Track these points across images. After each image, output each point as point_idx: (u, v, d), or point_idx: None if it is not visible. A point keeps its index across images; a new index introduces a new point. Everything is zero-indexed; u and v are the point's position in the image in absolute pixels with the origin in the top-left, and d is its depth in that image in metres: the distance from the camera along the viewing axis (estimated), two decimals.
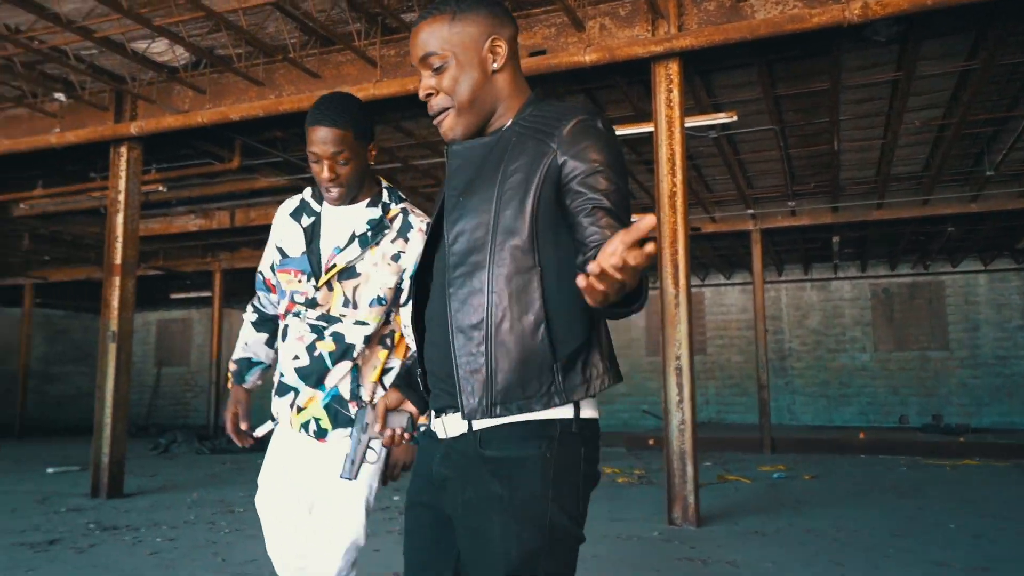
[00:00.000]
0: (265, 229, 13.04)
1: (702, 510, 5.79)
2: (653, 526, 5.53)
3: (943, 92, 7.82)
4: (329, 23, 6.46)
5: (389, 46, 6.74)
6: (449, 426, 1.38)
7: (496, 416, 1.30)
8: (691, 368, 5.64)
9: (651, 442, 12.65)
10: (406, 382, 1.55)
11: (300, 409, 2.01)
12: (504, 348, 1.30)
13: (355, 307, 1.98)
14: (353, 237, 2.00)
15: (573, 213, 1.31)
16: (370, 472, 1.96)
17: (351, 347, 1.97)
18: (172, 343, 23.38)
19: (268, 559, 2.62)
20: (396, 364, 2.04)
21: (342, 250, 1.99)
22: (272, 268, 2.11)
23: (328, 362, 1.98)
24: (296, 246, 2.05)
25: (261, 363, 2.23)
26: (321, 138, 1.92)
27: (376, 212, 2.02)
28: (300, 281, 2.01)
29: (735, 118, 7.19)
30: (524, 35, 6.27)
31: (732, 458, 10.90)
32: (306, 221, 2.06)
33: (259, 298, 2.24)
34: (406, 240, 2.01)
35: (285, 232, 2.09)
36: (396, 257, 2.00)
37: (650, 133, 8.30)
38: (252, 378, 2.22)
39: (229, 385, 2.24)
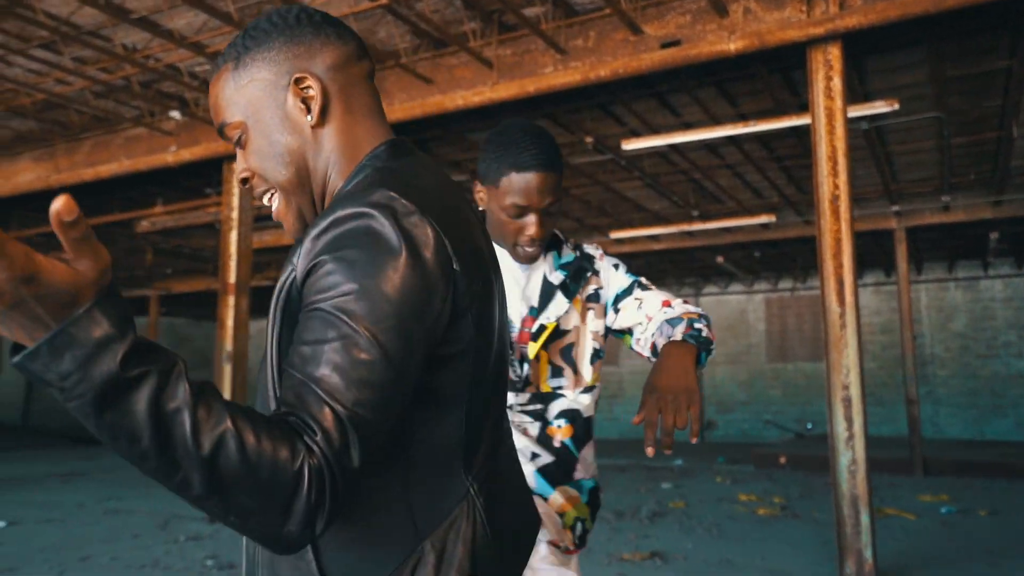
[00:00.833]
0: None
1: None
2: None
3: None
4: (442, 23, 6.03)
5: (505, 45, 6.25)
6: None
7: None
8: (863, 398, 4.85)
9: (782, 460, 11.69)
10: None
11: (560, 515, 1.56)
12: None
13: (575, 371, 1.59)
14: (551, 289, 1.59)
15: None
16: None
17: (589, 420, 1.59)
18: None
19: None
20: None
21: (540, 309, 1.58)
22: None
23: (574, 450, 1.58)
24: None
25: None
26: (537, 186, 1.50)
27: (568, 253, 1.64)
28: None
29: (896, 107, 6.29)
30: (653, 25, 5.63)
31: (880, 481, 9.83)
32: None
33: None
34: (596, 273, 1.67)
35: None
36: (596, 297, 1.65)
37: (791, 128, 7.50)
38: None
39: None
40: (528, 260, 1.57)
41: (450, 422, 0.90)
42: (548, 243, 1.63)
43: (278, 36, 0.97)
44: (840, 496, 4.87)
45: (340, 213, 0.83)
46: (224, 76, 0.98)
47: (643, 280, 1.68)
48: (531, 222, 1.50)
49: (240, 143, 0.99)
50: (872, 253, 14.87)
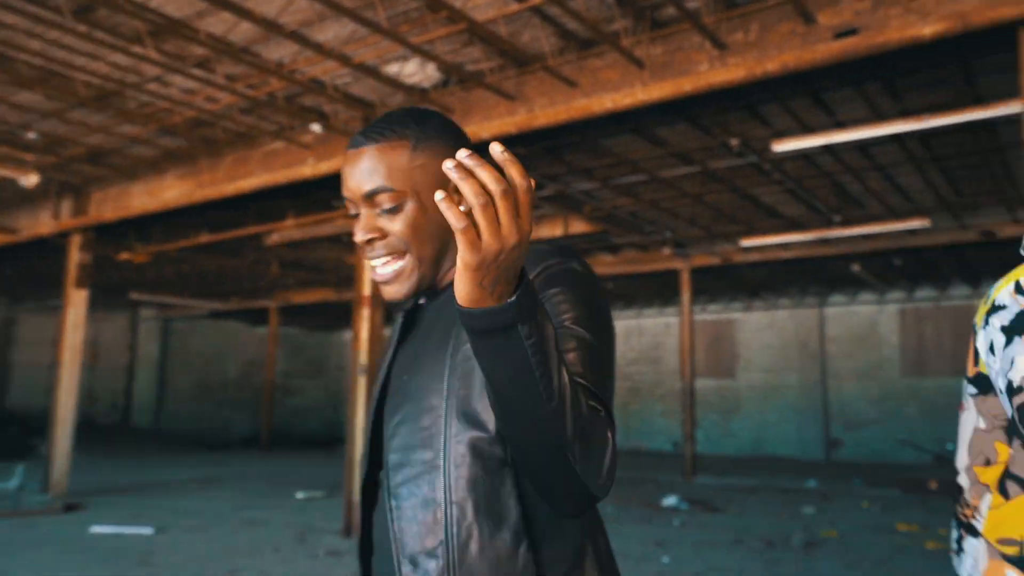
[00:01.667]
0: None
1: None
2: None
3: None
4: (592, 22, 5.75)
5: (655, 44, 5.91)
6: None
7: None
8: None
9: (933, 485, 10.77)
10: None
11: None
12: None
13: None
14: (1009, 340, 1.16)
15: None
16: None
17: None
18: None
19: None
20: None
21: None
22: None
23: None
24: None
25: None
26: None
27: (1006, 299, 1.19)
28: None
29: None
30: (826, 14, 5.17)
31: None
32: None
33: None
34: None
35: None
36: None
37: (962, 124, 6.85)
38: None
39: None
40: None
41: None
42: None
43: (448, 134, 1.13)
44: None
45: (550, 260, 1.07)
46: (400, 150, 1.08)
47: None
48: None
49: (392, 211, 1.08)
50: None
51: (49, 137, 8.02)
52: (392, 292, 1.12)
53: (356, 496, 6.99)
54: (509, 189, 0.76)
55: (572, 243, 11.57)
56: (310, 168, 7.54)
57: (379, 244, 1.10)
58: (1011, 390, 1.10)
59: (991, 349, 1.17)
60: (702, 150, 8.22)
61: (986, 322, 1.19)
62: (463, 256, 0.77)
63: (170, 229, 11.56)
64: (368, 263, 1.15)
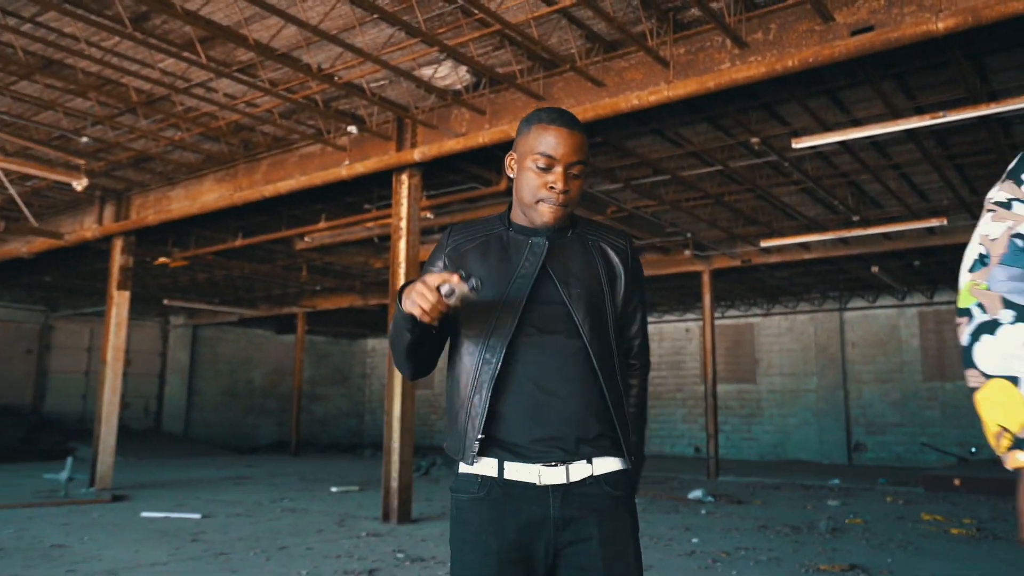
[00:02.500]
0: None
1: None
2: None
3: None
4: (614, 27, 6.04)
5: (678, 44, 6.19)
6: (574, 473, 1.56)
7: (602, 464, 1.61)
8: None
9: (957, 482, 10.85)
10: None
11: None
12: (620, 410, 1.62)
13: None
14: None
15: (629, 315, 1.74)
16: None
17: None
18: None
19: None
20: None
21: None
22: None
23: None
24: None
25: None
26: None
27: None
28: None
29: None
30: (842, 13, 5.43)
31: None
32: None
33: (1010, 288, 1.39)
34: None
35: None
36: None
37: (977, 120, 7.04)
38: None
39: (1009, 457, 1.56)
40: None
41: None
42: None
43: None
44: None
45: (633, 247, 1.80)
46: (583, 137, 1.66)
47: None
48: None
49: (577, 177, 1.66)
50: None
51: (99, 142, 8.42)
52: (552, 219, 1.65)
53: (395, 483, 7.26)
54: None
55: None
56: (346, 170, 7.87)
57: (564, 195, 1.64)
58: None
59: None
60: (723, 149, 8.48)
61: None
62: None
63: (206, 235, 11.95)
64: (544, 201, 1.65)
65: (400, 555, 5.55)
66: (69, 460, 8.54)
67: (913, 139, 7.90)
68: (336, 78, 6.84)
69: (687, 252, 12.55)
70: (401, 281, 7.56)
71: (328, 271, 15.22)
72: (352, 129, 7.57)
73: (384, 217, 9.92)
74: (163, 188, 10.03)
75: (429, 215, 10.14)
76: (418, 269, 7.69)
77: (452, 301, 1.47)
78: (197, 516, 7.35)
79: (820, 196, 10.04)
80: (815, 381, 17.77)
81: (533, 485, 1.53)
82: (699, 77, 5.84)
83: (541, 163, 1.60)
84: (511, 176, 1.69)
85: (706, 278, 13.23)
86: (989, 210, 1.35)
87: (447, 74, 6.94)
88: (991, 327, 1.25)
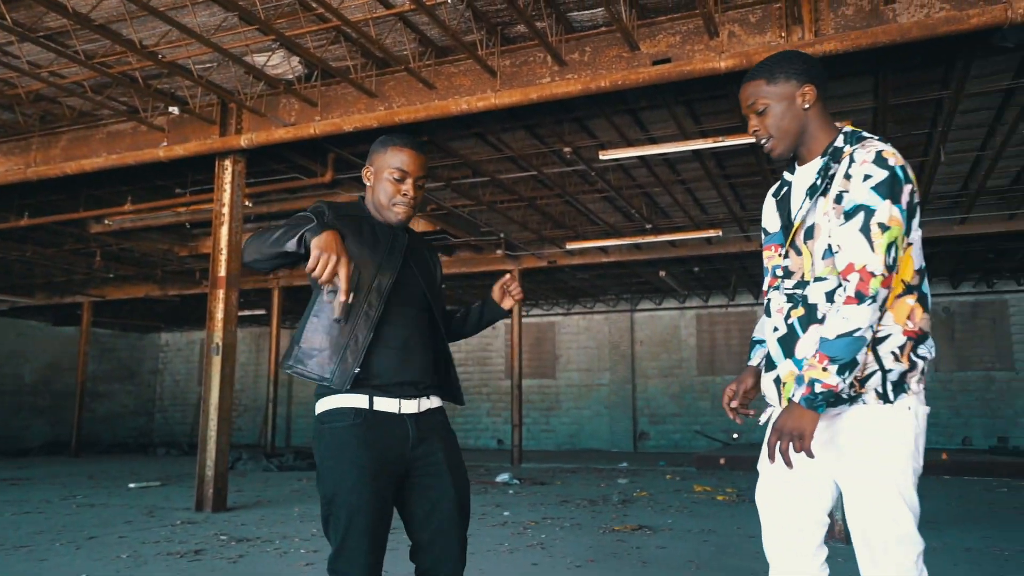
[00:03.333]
0: None
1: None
2: None
3: None
4: (447, 34, 6.45)
5: (504, 56, 6.72)
6: (423, 405, 2.10)
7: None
8: None
9: (722, 461, 12.44)
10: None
11: (783, 384, 1.86)
12: (450, 363, 2.25)
13: (814, 265, 1.80)
14: (806, 193, 1.85)
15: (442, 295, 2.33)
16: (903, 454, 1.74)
17: (814, 307, 1.78)
18: None
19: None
20: (895, 332, 1.73)
21: (799, 209, 1.85)
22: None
23: (799, 329, 1.81)
24: (773, 221, 1.97)
25: (763, 341, 2.05)
26: (741, 96, 1.91)
27: (825, 160, 1.82)
28: (779, 255, 1.92)
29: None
30: (647, 43, 6.24)
31: None
32: (778, 194, 1.98)
33: (766, 286, 2.07)
34: (848, 178, 1.73)
35: (766, 211, 2.03)
36: (838, 199, 1.74)
37: (749, 147, 8.23)
38: (756, 356, 2.07)
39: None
40: (775, 156, 1.93)
41: None
42: (827, 149, 1.82)
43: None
44: None
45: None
46: (426, 156, 2.16)
47: (875, 217, 1.67)
48: (750, 127, 1.95)
49: (422, 186, 2.17)
50: None
51: None
52: (404, 218, 2.16)
53: (210, 472, 7.14)
54: None
55: None
56: (164, 151, 7.61)
57: (413, 200, 2.16)
58: None
59: None
60: (538, 156, 9.18)
61: None
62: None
63: None
64: (398, 204, 2.13)
65: (223, 537, 5.56)
66: None
67: (698, 158, 9.06)
68: (160, 56, 6.63)
69: (499, 252, 13.25)
70: (222, 268, 7.44)
71: (125, 258, 14.24)
72: (174, 110, 7.35)
73: (199, 202, 9.61)
74: None
75: (248, 203, 9.95)
76: (240, 256, 7.61)
77: (326, 296, 2.03)
78: None
79: (619, 205, 11.10)
80: (608, 376, 19.31)
81: (394, 414, 2.04)
82: (523, 88, 6.40)
83: (396, 175, 2.11)
84: (367, 184, 2.18)
85: (516, 277, 14.00)
86: None
87: (279, 63, 6.98)
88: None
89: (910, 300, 1.76)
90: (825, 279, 1.79)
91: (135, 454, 18.06)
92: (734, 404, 2.02)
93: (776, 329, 1.88)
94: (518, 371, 14.15)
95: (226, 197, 7.56)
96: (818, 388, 1.65)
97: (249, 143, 7.27)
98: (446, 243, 13.12)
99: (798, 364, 1.81)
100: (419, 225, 11.61)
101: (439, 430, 2.12)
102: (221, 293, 7.40)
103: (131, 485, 9.65)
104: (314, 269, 1.84)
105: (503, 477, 10.09)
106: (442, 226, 11.50)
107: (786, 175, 1.99)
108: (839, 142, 1.84)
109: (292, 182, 9.41)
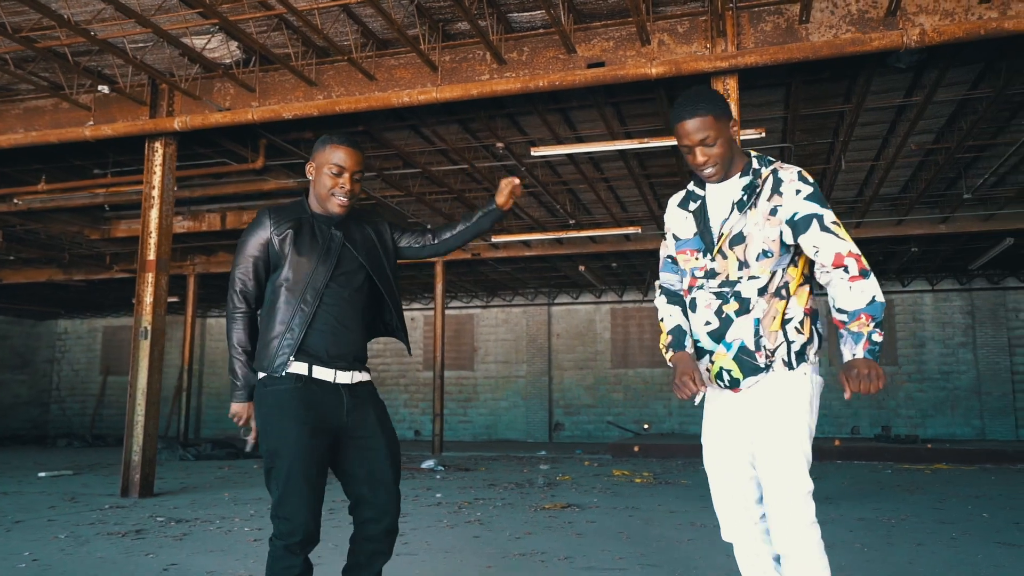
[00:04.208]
0: None
1: None
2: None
3: (939, 119, 8.50)
4: (391, 27, 6.59)
5: (445, 52, 6.92)
6: (355, 378, 2.37)
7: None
8: None
9: (636, 449, 13.02)
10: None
11: (712, 363, 2.24)
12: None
13: (747, 266, 2.18)
14: (733, 206, 2.21)
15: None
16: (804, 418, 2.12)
17: (747, 300, 2.17)
18: (120, 351, 22.57)
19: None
20: (797, 313, 2.18)
21: (727, 220, 2.21)
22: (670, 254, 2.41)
23: (733, 319, 2.19)
24: (687, 229, 2.30)
25: (686, 331, 2.36)
26: (688, 130, 2.15)
27: (748, 179, 2.21)
28: (696, 258, 2.26)
29: (763, 135, 7.63)
30: (583, 47, 6.57)
31: None
32: (693, 206, 2.31)
33: (664, 280, 2.44)
34: (780, 194, 2.16)
35: (675, 220, 2.37)
36: (773, 212, 2.16)
37: (670, 149, 8.70)
38: (689, 343, 2.34)
39: (669, 357, 2.35)
40: (710, 180, 2.22)
41: None
42: (745, 170, 2.20)
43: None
44: None
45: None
46: (363, 153, 2.44)
47: (825, 219, 2.08)
48: (695, 155, 2.18)
49: (359, 180, 2.43)
50: None
51: None
52: (342, 209, 2.40)
53: (137, 457, 7.05)
54: None
55: None
56: (90, 131, 7.42)
57: (351, 192, 2.41)
58: None
59: None
60: (469, 150, 9.41)
61: None
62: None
63: None
64: (336, 196, 2.39)
65: (160, 519, 5.57)
66: None
67: (623, 158, 9.50)
68: (93, 33, 6.50)
69: None
70: (151, 251, 7.34)
71: (29, 240, 13.59)
72: (104, 88, 7.19)
73: (121, 184, 9.37)
74: None
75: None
76: (170, 239, 7.53)
77: (241, 433, 2.45)
78: None
79: (545, 200, 11.46)
80: (525, 368, 19.73)
81: (329, 382, 2.31)
82: (464, 84, 6.62)
83: (334, 170, 2.38)
84: (310, 178, 2.43)
85: (439, 268, 14.20)
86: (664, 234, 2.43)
87: (217, 47, 6.94)
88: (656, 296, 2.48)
89: (806, 288, 2.24)
90: (758, 277, 2.18)
91: (31, 446, 17.24)
92: (696, 380, 2.23)
93: (708, 323, 2.24)
94: (440, 362, 14.37)
95: (156, 180, 7.45)
96: (876, 338, 2.03)
97: (183, 126, 7.20)
98: None
99: (727, 346, 2.20)
100: None
101: (370, 399, 2.40)
102: (150, 277, 7.31)
103: (41, 474, 9.33)
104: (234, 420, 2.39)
105: (428, 464, 10.29)
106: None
107: (695, 189, 2.33)
108: (755, 164, 2.24)
109: (219, 167, 9.31)
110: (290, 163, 9.65)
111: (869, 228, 12.03)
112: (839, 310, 2.08)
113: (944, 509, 6.21)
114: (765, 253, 2.17)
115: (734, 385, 2.21)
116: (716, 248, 2.21)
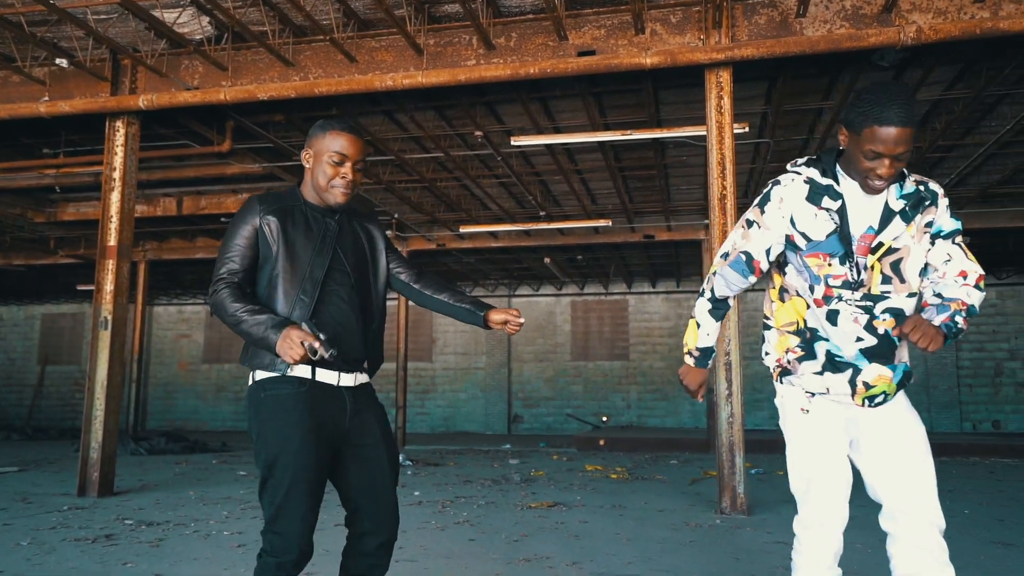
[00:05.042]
0: (213, 218, 12.37)
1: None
2: (706, 516, 5.75)
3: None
4: (375, 6, 6.32)
5: (429, 35, 6.66)
6: (358, 380, 2.23)
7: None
8: (740, 364, 5.91)
9: (602, 442, 12.98)
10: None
11: (868, 386, 2.08)
12: (377, 343, 2.33)
13: (902, 281, 2.04)
14: (890, 215, 2.03)
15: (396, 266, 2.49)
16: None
17: (905, 318, 2.03)
18: (59, 340, 21.64)
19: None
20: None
21: (880, 230, 2.03)
22: (777, 252, 2.19)
23: (894, 339, 2.07)
24: (820, 230, 2.06)
25: (713, 348, 2.33)
26: (892, 137, 1.89)
27: (910, 187, 2.06)
28: (831, 264, 2.06)
29: (747, 129, 7.59)
30: (573, 34, 6.39)
31: (693, 457, 11.38)
32: (832, 204, 2.06)
33: (725, 282, 2.25)
34: (936, 207, 2.08)
35: (803, 216, 2.09)
36: (929, 224, 2.07)
37: (652, 141, 8.62)
38: (710, 363, 2.33)
39: (691, 365, 2.32)
40: (876, 192, 2.00)
41: None
42: (897, 177, 2.04)
43: None
44: (721, 444, 5.88)
45: None
46: (363, 141, 2.30)
47: (960, 237, 2.10)
48: (881, 165, 1.93)
49: (361, 169, 2.30)
50: (667, 265, 16.92)
51: None
52: (344, 199, 2.25)
53: (96, 455, 6.66)
54: None
55: None
56: (45, 107, 6.94)
57: (352, 182, 2.25)
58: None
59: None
60: (445, 138, 9.15)
61: None
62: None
63: None
64: (336, 186, 2.21)
65: (128, 521, 5.23)
66: None
67: (600, 149, 9.37)
68: (52, 1, 6.05)
69: (389, 232, 13.07)
70: (112, 237, 6.93)
71: None
72: (62, 62, 6.73)
73: (73, 165, 8.85)
74: None
75: None
76: (132, 224, 7.11)
77: (314, 356, 2.00)
78: None
79: (515, 191, 11.27)
80: (484, 360, 19.56)
81: (333, 385, 2.16)
82: (451, 69, 6.38)
83: (335, 159, 2.20)
84: (307, 166, 2.26)
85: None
86: (741, 225, 2.15)
87: (187, 21, 6.55)
88: (701, 293, 2.30)
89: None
90: (916, 294, 2.09)
91: None
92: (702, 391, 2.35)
93: (860, 339, 2.08)
94: (404, 353, 14.08)
95: (117, 161, 7.03)
96: (959, 320, 1.98)
97: (149, 104, 6.79)
98: None
99: (892, 368, 2.10)
100: None
101: (371, 403, 2.27)
102: (111, 264, 6.89)
103: None
104: (292, 361, 2.00)
105: None
106: None
107: (828, 183, 2.09)
108: (907, 174, 2.11)
109: (181, 149, 8.87)
110: (257, 147, 9.26)
111: None
112: (937, 295, 2.04)
113: None
114: (925, 270, 2.09)
115: (880, 403, 2.14)
116: (877, 256, 2.04)
